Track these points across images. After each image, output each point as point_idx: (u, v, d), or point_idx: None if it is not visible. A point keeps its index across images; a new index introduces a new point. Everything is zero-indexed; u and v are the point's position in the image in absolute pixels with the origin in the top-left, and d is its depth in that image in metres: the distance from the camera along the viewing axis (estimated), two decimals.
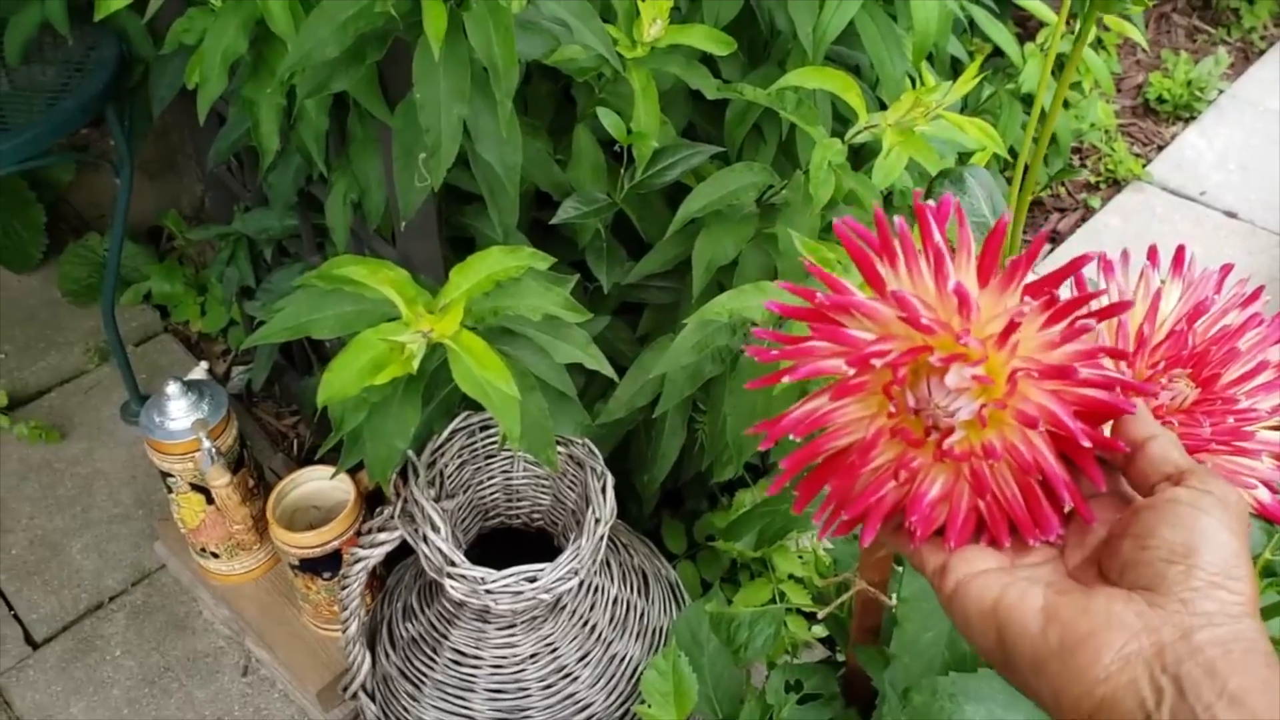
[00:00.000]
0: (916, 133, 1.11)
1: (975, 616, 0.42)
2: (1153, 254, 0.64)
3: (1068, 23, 1.54)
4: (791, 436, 0.46)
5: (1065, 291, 0.45)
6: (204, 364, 1.75)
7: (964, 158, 1.40)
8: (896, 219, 0.46)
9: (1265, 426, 0.64)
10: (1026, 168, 0.76)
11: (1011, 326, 0.42)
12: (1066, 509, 0.43)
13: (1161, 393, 0.60)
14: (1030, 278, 0.44)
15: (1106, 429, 0.45)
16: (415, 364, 0.80)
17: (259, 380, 1.73)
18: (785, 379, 0.46)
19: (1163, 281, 0.66)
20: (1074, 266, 0.44)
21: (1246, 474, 0.60)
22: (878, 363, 0.43)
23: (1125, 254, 0.64)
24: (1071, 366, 0.42)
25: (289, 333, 0.89)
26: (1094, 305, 0.44)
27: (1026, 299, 0.43)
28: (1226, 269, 0.65)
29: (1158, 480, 0.42)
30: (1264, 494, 0.63)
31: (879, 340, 0.44)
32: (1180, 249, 0.66)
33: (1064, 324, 0.43)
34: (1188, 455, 0.43)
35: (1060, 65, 2.05)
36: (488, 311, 0.89)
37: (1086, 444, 0.42)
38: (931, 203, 0.47)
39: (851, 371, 0.44)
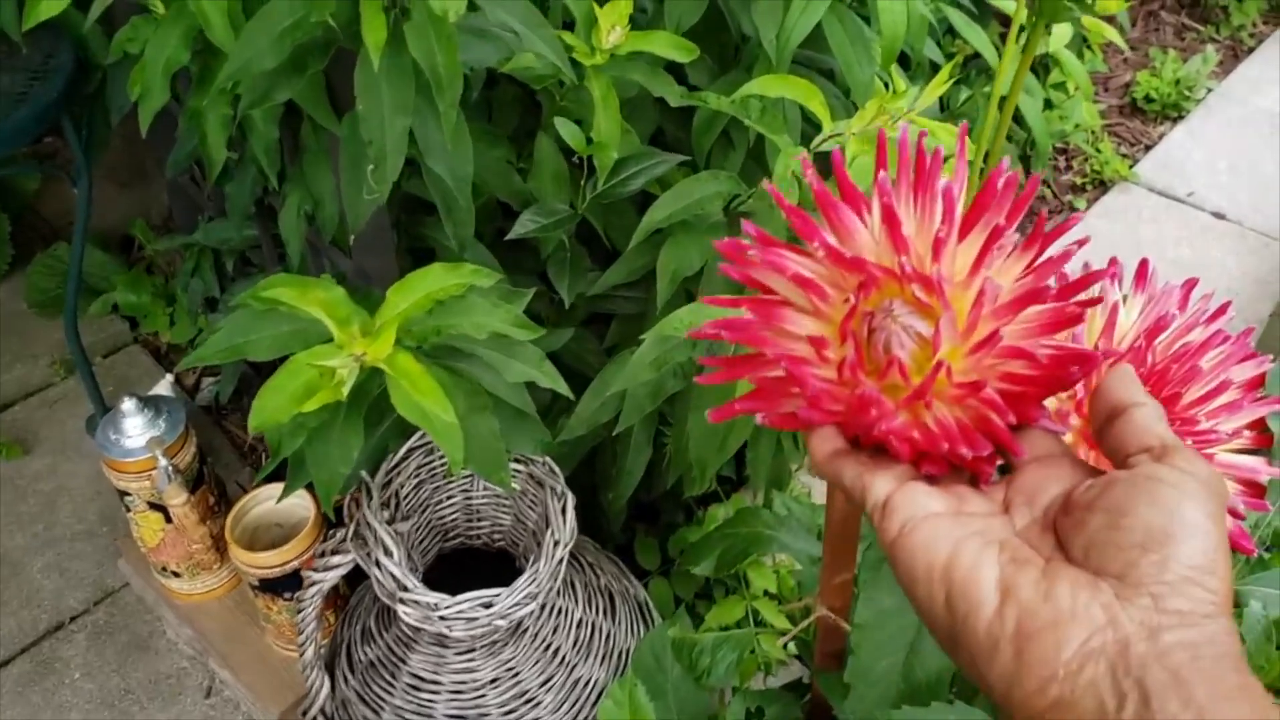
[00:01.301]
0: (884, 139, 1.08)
1: (922, 572, 0.39)
2: (1112, 265, 0.61)
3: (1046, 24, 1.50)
4: (743, 309, 0.44)
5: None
6: (170, 376, 1.73)
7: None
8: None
9: (1227, 449, 0.61)
10: (987, 155, 0.73)
11: (990, 242, 0.41)
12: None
13: None
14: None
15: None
16: (345, 390, 0.77)
17: (226, 392, 1.70)
18: (750, 253, 0.44)
19: (1124, 295, 0.63)
20: (1064, 228, 0.43)
21: None
22: (848, 253, 0.42)
23: (1086, 265, 0.61)
24: (1042, 288, 0.40)
25: (224, 354, 0.86)
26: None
27: (1008, 234, 0.42)
28: (1191, 283, 0.62)
29: (1136, 451, 0.39)
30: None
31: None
32: (1144, 262, 0.63)
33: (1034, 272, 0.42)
34: (1171, 431, 0.40)
35: (1044, 67, 2.02)
36: (430, 331, 0.86)
37: (1045, 353, 0.40)
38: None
39: (818, 266, 0.43)
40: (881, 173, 0.44)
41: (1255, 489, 0.61)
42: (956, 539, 0.39)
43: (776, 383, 0.45)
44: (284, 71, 0.91)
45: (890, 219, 0.42)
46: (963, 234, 0.43)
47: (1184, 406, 0.59)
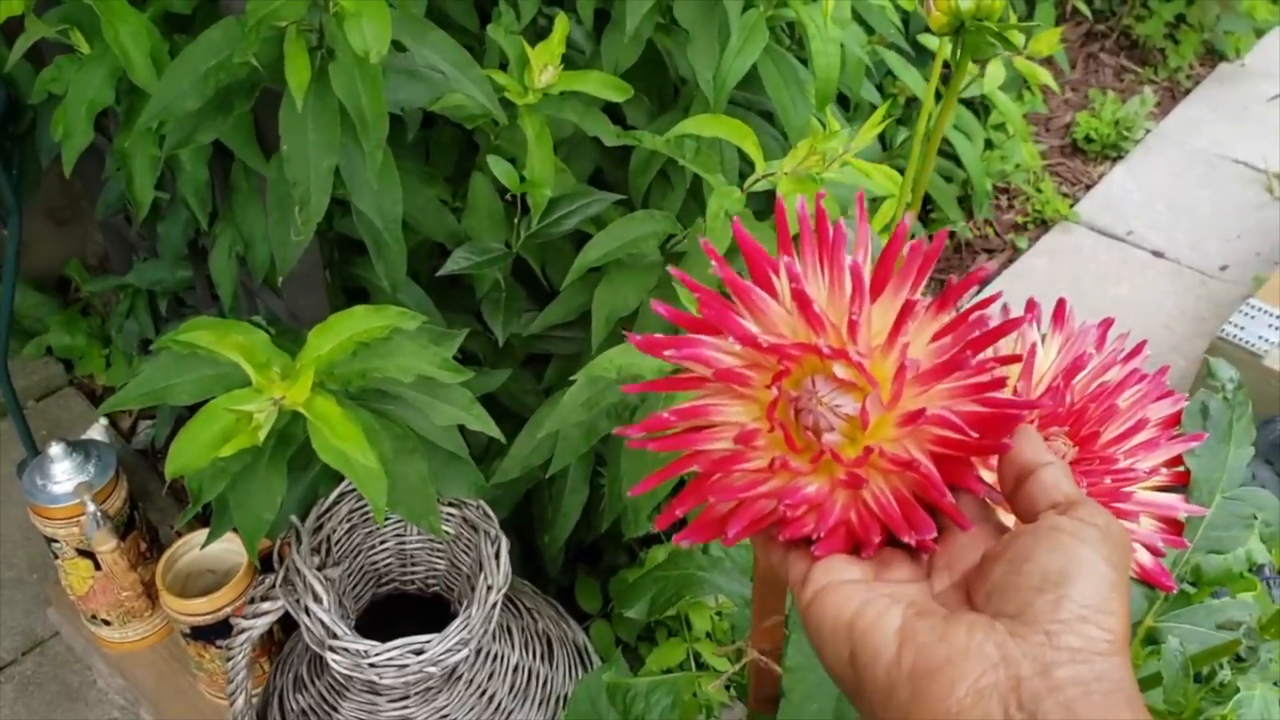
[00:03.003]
0: (815, 180, 1.08)
1: (829, 630, 0.39)
2: (1030, 308, 0.61)
3: (981, 65, 1.53)
4: (666, 414, 0.44)
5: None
6: (104, 420, 1.69)
7: (875, 203, 1.38)
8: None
9: (1144, 487, 0.61)
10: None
11: (903, 315, 0.41)
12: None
13: None
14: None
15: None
16: (262, 435, 0.76)
17: (162, 436, 1.67)
18: (668, 351, 0.43)
19: (1043, 335, 0.63)
20: (971, 280, 0.43)
21: None
22: (765, 340, 0.42)
23: (1005, 309, 0.61)
24: (962, 356, 0.41)
25: (146, 399, 0.84)
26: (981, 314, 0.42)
27: (919, 297, 0.42)
28: (1107, 323, 0.62)
29: (1044, 508, 0.40)
30: (1145, 556, 0.61)
31: (767, 334, 0.43)
32: (1061, 302, 0.63)
33: (955, 336, 0.42)
34: (1077, 487, 0.41)
35: (985, 108, 2.05)
36: (355, 374, 0.85)
37: (971, 435, 0.40)
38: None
39: (738, 348, 0.43)
40: (787, 259, 0.43)
41: (1174, 525, 0.61)
42: (864, 599, 0.39)
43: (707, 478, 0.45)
44: (209, 112, 0.90)
45: (802, 301, 0.42)
46: (874, 295, 0.43)
47: (1103, 445, 0.59)
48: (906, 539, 0.41)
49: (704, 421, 0.44)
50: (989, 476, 0.43)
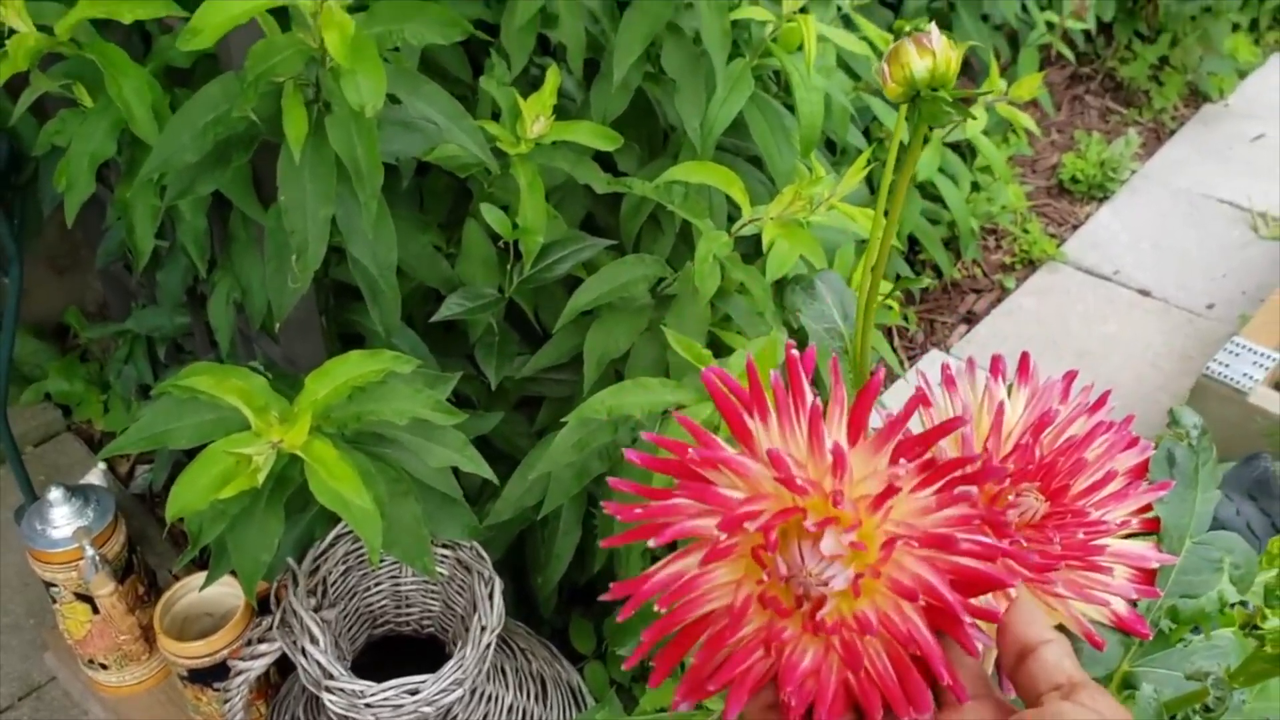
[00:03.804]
0: (801, 225, 1.11)
1: None
2: (995, 365, 0.62)
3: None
4: (655, 607, 0.42)
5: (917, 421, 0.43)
6: (102, 465, 1.71)
7: (862, 245, 1.40)
8: (773, 373, 0.45)
9: (1117, 537, 0.62)
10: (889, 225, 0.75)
11: (889, 491, 0.40)
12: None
13: (1010, 511, 0.59)
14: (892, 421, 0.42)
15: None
16: (261, 477, 0.78)
17: (160, 480, 1.69)
18: (651, 541, 0.42)
19: (1009, 386, 0.64)
20: (947, 428, 0.43)
21: (1100, 589, 0.58)
22: (750, 525, 0.40)
23: (970, 362, 0.62)
24: (952, 536, 0.40)
25: (146, 443, 0.86)
26: (969, 469, 0.41)
27: (902, 461, 0.41)
28: (1071, 375, 0.63)
29: (1047, 690, 0.40)
30: (1120, 605, 0.62)
31: (750, 500, 0.42)
32: (1024, 355, 0.64)
33: (939, 486, 0.41)
34: (1079, 665, 0.41)
35: (971, 151, 2.08)
36: (351, 417, 0.87)
37: (966, 618, 0.40)
38: (797, 353, 0.45)
39: (723, 536, 0.41)
40: (773, 449, 0.42)
41: (1146, 575, 0.62)
42: None
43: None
44: (208, 164, 0.93)
45: (789, 484, 0.41)
46: (851, 441, 0.43)
47: (1073, 497, 0.60)
48: (905, 718, 0.40)
49: (693, 595, 0.42)
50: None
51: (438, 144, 1.03)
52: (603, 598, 0.45)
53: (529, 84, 1.19)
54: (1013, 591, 0.44)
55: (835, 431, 0.43)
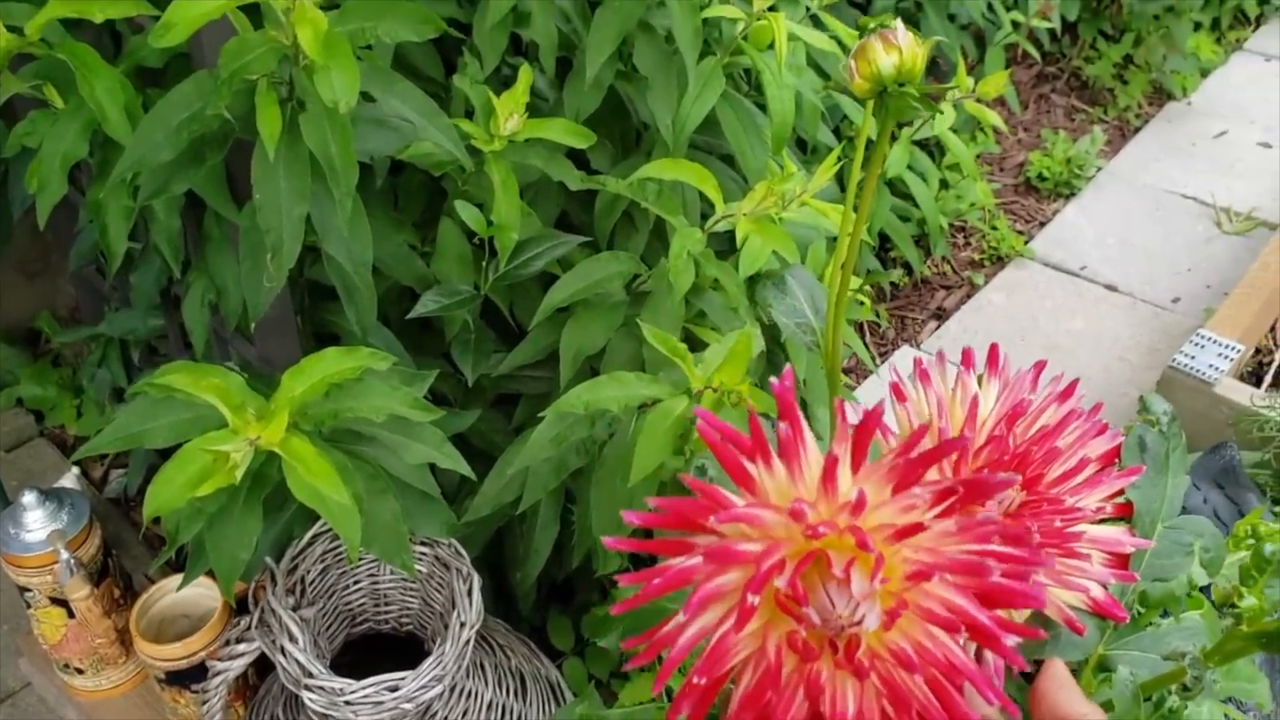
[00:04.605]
0: (773, 221, 1.12)
1: None
2: (966, 358, 0.63)
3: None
4: (695, 679, 0.41)
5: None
6: (76, 469, 1.70)
7: (833, 242, 1.42)
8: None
9: (1092, 523, 0.63)
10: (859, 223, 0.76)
11: (914, 528, 0.40)
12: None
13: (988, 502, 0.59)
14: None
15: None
16: (239, 474, 0.78)
17: (134, 484, 1.68)
18: (681, 617, 0.41)
19: (979, 376, 0.65)
20: (945, 450, 0.42)
21: (1077, 575, 0.59)
22: (779, 581, 0.40)
23: (941, 355, 0.63)
24: (985, 565, 0.39)
25: (122, 443, 0.86)
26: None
27: (917, 490, 0.41)
28: (1040, 365, 0.64)
29: None
30: (1096, 590, 0.63)
31: (768, 552, 0.41)
32: (993, 347, 0.65)
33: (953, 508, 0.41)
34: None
35: (940, 149, 2.10)
36: (328, 414, 0.87)
37: (1004, 637, 0.40)
38: (775, 381, 0.45)
39: (755, 600, 0.40)
40: (797, 505, 0.40)
41: (1120, 560, 0.63)
42: None
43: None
44: (182, 163, 0.93)
45: (813, 533, 0.40)
46: (854, 470, 0.43)
47: (1047, 485, 0.61)
48: None
49: (726, 667, 0.42)
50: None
51: (412, 142, 1.04)
52: (626, 666, 0.45)
53: (501, 83, 1.20)
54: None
55: (842, 469, 0.42)
